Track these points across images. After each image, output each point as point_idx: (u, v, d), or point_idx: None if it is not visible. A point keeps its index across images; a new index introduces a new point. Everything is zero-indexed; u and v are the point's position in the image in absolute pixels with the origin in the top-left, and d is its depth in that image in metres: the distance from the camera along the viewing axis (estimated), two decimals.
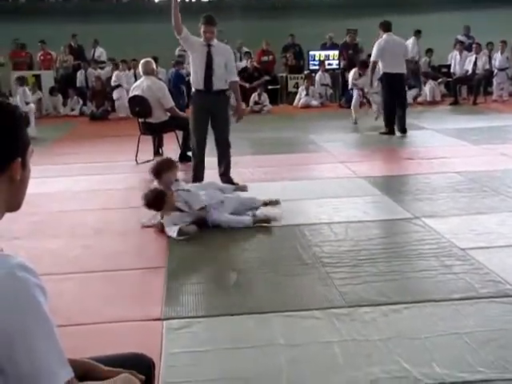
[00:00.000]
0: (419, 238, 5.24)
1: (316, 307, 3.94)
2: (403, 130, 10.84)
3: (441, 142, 10.12)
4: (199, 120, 7.11)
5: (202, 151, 7.20)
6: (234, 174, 7.43)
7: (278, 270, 4.65)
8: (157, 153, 9.28)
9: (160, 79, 11.22)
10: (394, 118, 10.88)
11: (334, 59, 17.19)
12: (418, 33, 16.53)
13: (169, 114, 8.98)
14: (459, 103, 15.16)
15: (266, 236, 5.56)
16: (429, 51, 17.04)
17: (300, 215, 6.01)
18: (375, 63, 10.91)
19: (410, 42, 16.73)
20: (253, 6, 19.64)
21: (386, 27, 10.88)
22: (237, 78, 7.43)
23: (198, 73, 7.03)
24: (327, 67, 16.88)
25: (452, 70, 15.83)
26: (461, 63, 15.68)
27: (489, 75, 15.66)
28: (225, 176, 7.25)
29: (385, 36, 10.81)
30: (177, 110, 9.20)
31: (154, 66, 9.57)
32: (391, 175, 7.83)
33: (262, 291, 4.29)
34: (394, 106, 10.84)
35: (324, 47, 17.58)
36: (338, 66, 17.04)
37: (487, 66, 15.59)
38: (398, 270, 4.51)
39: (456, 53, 15.91)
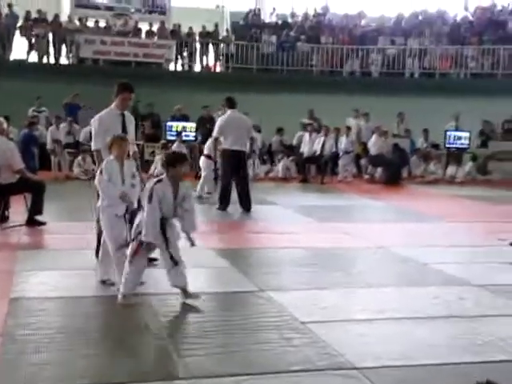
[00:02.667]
0: (262, 310, 5.40)
1: (158, 378, 3.93)
2: (247, 209, 10.82)
3: (289, 217, 10.55)
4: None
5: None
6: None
7: (121, 341, 4.60)
8: (2, 215, 8.90)
9: (11, 139, 10.89)
10: (229, 194, 10.88)
11: (191, 131, 17.54)
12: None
13: (18, 176, 8.71)
14: (308, 181, 15.93)
15: (111, 305, 5.48)
16: (280, 130, 17.89)
17: (148, 285, 5.99)
18: (216, 139, 10.99)
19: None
20: (112, 72, 19.72)
21: (231, 104, 10.98)
22: (136, 148, 7.31)
23: None
24: (184, 138, 17.15)
25: (301, 150, 16.68)
26: (310, 144, 16.57)
27: (335, 157, 16.67)
28: None
29: (229, 112, 10.95)
30: (26, 172, 8.96)
31: (5, 126, 9.31)
32: (239, 248, 8.03)
33: (104, 362, 4.21)
34: (230, 182, 10.86)
35: (173, 119, 17.91)
36: (194, 138, 17.39)
37: (334, 149, 16.60)
38: (240, 342, 4.61)
39: (306, 134, 16.83)
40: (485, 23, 23.01)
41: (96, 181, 5.93)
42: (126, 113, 6.95)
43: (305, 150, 16.54)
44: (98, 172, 5.94)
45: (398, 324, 5.15)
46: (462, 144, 18.29)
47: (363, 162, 17.59)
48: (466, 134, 18.37)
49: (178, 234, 5.59)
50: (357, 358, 4.33)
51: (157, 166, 16.07)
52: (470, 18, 23.72)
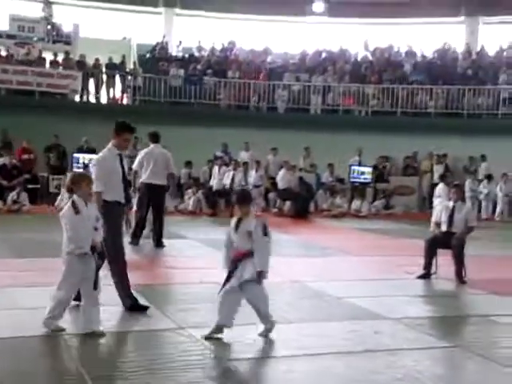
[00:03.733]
0: (184, 348, 5.34)
1: None
2: (159, 244, 10.76)
3: (201, 252, 10.51)
4: (119, 229, 6.58)
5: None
6: None
7: None
8: None
9: None
10: (143, 228, 10.82)
11: None
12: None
13: None
14: (218, 215, 15.96)
15: (22, 346, 5.26)
16: (189, 163, 17.87)
17: (65, 324, 5.79)
18: (136, 172, 10.91)
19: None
20: (14, 102, 19.22)
21: (154, 138, 11.09)
22: None
23: (115, 185, 6.53)
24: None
25: (211, 183, 16.76)
26: (219, 177, 16.68)
27: None
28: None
29: (151, 146, 11.02)
30: None
31: None
32: (154, 284, 7.92)
33: None
34: (145, 216, 10.80)
35: (80, 151, 17.56)
36: None
37: (243, 182, 16.78)
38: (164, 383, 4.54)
39: (215, 167, 16.95)
40: (384, 63, 24.09)
41: (65, 219, 5.65)
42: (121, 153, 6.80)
43: (214, 183, 16.61)
44: (67, 210, 5.67)
45: (319, 360, 5.22)
46: (365, 178, 18.97)
47: (272, 195, 17.84)
48: (369, 169, 19.07)
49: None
50: None
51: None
52: (370, 57, 24.76)
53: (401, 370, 5.02)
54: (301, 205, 16.64)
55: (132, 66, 22.40)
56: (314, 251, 11.18)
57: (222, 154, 18.34)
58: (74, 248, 5.61)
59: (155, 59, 23.49)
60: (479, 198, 18.24)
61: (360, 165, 19.27)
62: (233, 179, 16.48)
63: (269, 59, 24.41)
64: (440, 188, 13.99)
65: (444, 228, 9.10)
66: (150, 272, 8.87)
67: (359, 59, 24.75)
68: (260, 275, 5.60)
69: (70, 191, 5.81)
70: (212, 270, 8.69)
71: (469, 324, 6.89)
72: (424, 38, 25.50)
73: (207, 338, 5.55)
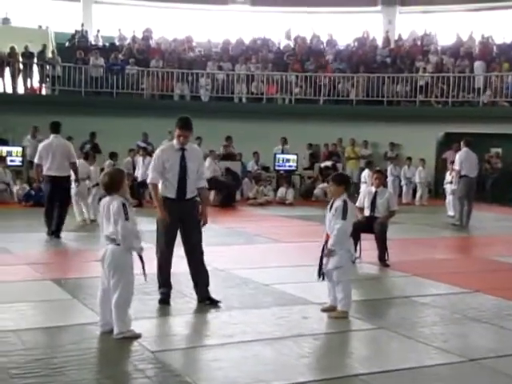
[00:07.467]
0: (111, 342, 5.26)
1: None
2: (56, 234, 10.54)
3: None
4: (169, 227, 6.53)
5: (170, 254, 6.65)
6: None
7: None
8: None
9: None
10: (51, 219, 10.56)
11: (17, 156, 16.81)
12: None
13: None
14: (143, 205, 15.73)
15: None
16: (113, 155, 17.51)
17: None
18: (38, 166, 10.67)
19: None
20: None
21: (53, 129, 10.75)
22: (206, 184, 6.90)
23: (169, 179, 6.41)
24: (10, 163, 16.36)
25: (136, 174, 16.51)
26: (144, 168, 16.44)
27: None
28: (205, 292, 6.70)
29: (50, 138, 10.73)
30: None
31: None
32: (81, 277, 7.76)
33: None
34: (50, 208, 10.58)
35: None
36: (21, 163, 16.68)
37: None
38: (94, 378, 4.45)
39: (140, 158, 16.70)
40: (306, 52, 24.33)
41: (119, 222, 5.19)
42: (188, 147, 6.53)
43: (139, 174, 16.38)
44: (119, 213, 5.20)
45: (247, 347, 5.24)
46: (290, 166, 19.17)
47: None
48: (294, 157, 19.29)
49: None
50: None
51: None
52: (292, 46, 24.96)
53: (329, 353, 5.10)
54: (227, 194, 16.64)
55: (50, 56, 21.73)
56: (240, 239, 11.20)
57: (144, 144, 18.10)
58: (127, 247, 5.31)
59: (74, 48, 22.90)
60: (400, 184, 18.73)
61: (283, 153, 19.47)
62: None
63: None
64: (365, 174, 14.27)
65: (367, 213, 9.31)
66: (74, 265, 8.68)
67: (282, 48, 24.92)
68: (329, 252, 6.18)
69: (111, 191, 5.30)
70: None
71: (392, 306, 7.06)
72: (343, 27, 25.93)
73: (324, 310, 6.30)
